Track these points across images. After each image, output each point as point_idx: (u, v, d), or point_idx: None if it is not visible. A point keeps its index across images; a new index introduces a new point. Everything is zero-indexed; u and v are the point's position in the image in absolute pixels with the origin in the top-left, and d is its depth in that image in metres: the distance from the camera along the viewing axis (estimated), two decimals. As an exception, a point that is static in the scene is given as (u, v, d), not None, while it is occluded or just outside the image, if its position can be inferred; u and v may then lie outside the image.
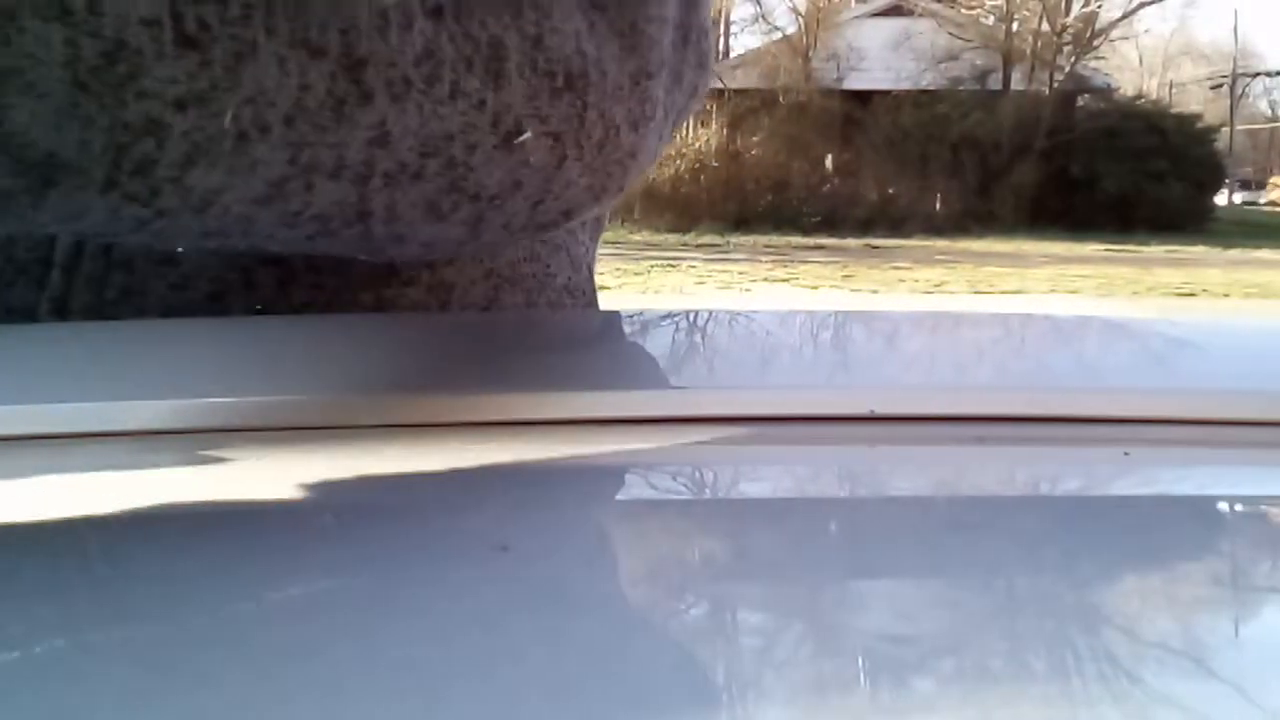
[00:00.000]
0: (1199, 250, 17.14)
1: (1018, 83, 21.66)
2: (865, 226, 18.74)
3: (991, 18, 23.26)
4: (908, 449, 0.44)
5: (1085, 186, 19.93)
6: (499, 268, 0.62)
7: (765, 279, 12.08)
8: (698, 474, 0.43)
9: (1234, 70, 34.75)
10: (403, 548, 0.32)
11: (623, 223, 16.94)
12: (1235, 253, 16.79)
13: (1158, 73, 40.06)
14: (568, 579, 0.31)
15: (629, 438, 0.43)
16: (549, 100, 0.43)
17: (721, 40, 25.52)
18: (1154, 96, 29.55)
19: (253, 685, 0.24)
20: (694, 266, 13.06)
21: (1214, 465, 0.45)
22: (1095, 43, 22.98)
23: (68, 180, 0.34)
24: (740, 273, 12.55)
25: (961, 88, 21.42)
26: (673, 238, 16.56)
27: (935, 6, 22.97)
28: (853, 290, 11.30)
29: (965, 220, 19.12)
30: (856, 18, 23.39)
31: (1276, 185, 35.55)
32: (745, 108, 20.61)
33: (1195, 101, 34.54)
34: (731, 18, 25.70)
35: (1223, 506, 0.41)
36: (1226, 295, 11.29)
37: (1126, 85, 29.39)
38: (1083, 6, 22.70)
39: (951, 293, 11.21)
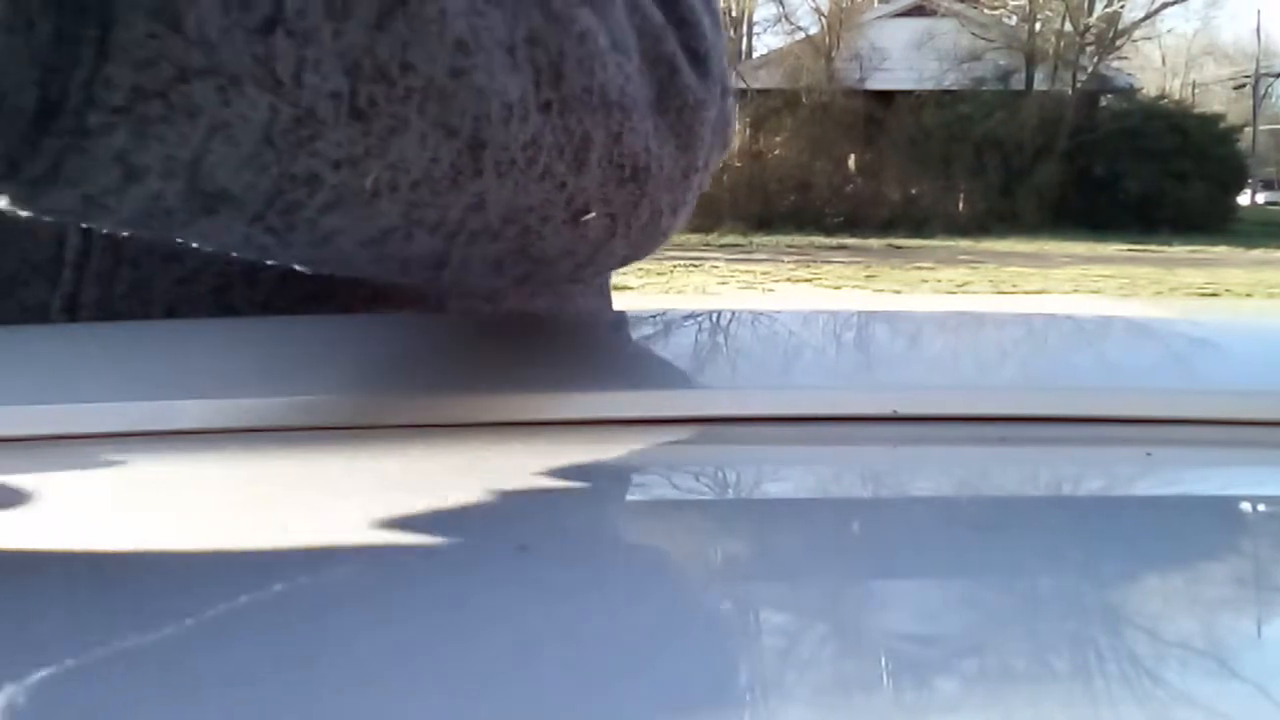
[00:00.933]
0: (1222, 250, 17.06)
1: (1040, 83, 21.58)
2: (888, 226, 18.73)
3: (1014, 18, 23.21)
4: (930, 449, 0.44)
5: (1108, 187, 19.85)
6: None
7: (788, 279, 12.07)
8: (718, 474, 0.43)
9: (1257, 70, 34.52)
10: (422, 547, 0.32)
11: (645, 223, 16.87)
12: (1258, 253, 16.71)
13: (1180, 73, 39.86)
14: (587, 579, 0.31)
15: (650, 437, 0.43)
16: (615, 187, 0.48)
17: (744, 41, 25.52)
18: (1177, 97, 29.41)
19: (270, 686, 0.24)
20: (716, 266, 13.05)
21: (1237, 466, 0.45)
22: (1118, 43, 22.92)
23: (226, 210, 0.38)
24: (763, 273, 12.54)
25: (984, 88, 21.36)
26: (695, 238, 16.54)
27: (958, 7, 22.92)
28: (875, 290, 11.28)
29: (988, 220, 19.09)
30: (879, 18, 23.36)
31: (1300, 186, 35.37)
32: (768, 108, 20.60)
33: (1218, 102, 34.37)
34: (754, 18, 25.72)
35: (1245, 507, 0.41)
36: (1249, 295, 11.23)
37: (1149, 85, 29.24)
38: (1105, 7, 22.63)
39: (975, 293, 11.18)
